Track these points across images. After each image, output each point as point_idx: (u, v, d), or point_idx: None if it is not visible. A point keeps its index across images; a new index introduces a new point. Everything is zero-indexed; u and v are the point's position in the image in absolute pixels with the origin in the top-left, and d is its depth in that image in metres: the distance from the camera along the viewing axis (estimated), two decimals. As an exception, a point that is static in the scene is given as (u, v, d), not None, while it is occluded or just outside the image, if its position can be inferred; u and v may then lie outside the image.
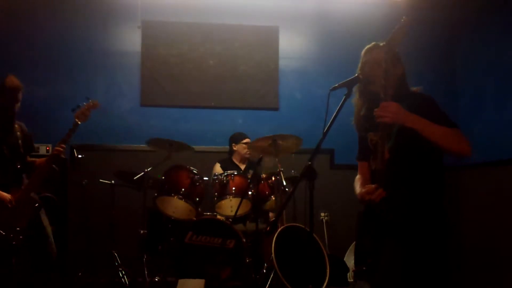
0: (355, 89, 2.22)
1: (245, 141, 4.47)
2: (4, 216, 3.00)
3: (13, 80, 3.17)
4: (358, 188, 2.25)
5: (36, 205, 3.13)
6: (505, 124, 4.15)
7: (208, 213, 3.98)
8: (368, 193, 2.05)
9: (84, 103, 3.37)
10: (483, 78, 4.56)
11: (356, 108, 2.29)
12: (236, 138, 4.52)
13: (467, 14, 4.80)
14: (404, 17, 1.99)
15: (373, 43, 2.25)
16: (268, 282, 3.40)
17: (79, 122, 3.29)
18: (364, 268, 2.10)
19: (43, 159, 3.33)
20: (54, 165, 3.23)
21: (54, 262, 3.26)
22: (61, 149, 3.20)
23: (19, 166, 3.20)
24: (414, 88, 2.21)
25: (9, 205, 3.02)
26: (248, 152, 4.45)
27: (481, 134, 4.33)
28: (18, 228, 3.01)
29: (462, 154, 1.99)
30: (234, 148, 4.52)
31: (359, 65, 2.25)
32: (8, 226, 2.99)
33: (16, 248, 2.99)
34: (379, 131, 2.04)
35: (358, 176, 2.34)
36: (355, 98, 2.27)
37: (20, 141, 3.24)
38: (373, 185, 2.05)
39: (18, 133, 3.26)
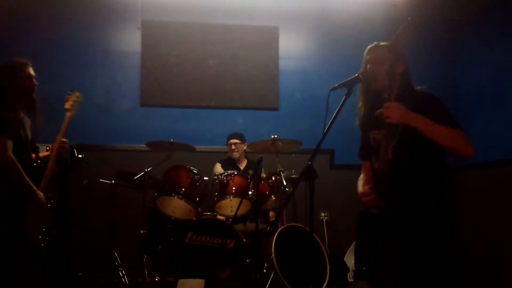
0: (357, 88, 2.22)
1: (229, 142, 4.49)
2: (36, 218, 2.83)
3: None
4: (360, 187, 2.27)
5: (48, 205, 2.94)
6: (505, 124, 4.15)
7: (208, 213, 3.98)
8: (362, 195, 2.11)
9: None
10: (483, 78, 4.56)
11: (360, 108, 2.30)
12: (227, 139, 4.54)
13: (467, 14, 4.80)
14: (409, 17, 1.99)
15: (375, 42, 2.25)
16: (268, 282, 3.40)
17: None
18: (364, 268, 2.10)
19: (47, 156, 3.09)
20: (57, 168, 3.09)
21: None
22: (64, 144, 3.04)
23: (36, 163, 2.98)
24: (418, 87, 2.20)
25: (43, 206, 2.85)
26: (233, 153, 4.46)
27: (481, 134, 4.32)
28: (44, 229, 2.86)
29: (464, 155, 1.99)
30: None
31: (363, 64, 2.25)
32: (38, 228, 2.84)
33: (41, 252, 2.84)
34: (384, 130, 2.05)
35: (361, 175, 2.35)
36: (360, 98, 2.28)
37: (30, 133, 3.00)
38: (368, 189, 2.10)
39: (27, 125, 3.00)
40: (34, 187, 2.82)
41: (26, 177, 2.77)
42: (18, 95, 2.90)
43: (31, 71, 2.98)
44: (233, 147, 4.45)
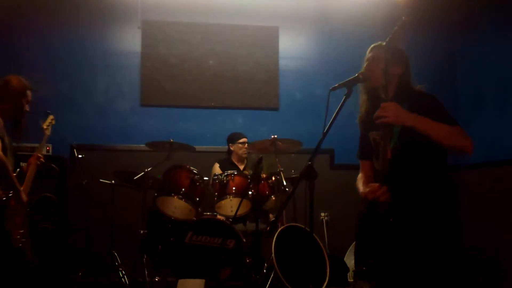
0: (360, 87, 2.22)
1: (241, 140, 4.47)
2: (17, 218, 2.98)
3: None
4: (361, 187, 2.24)
5: (28, 209, 3.13)
6: (505, 124, 4.15)
7: (208, 213, 3.98)
8: (371, 192, 2.03)
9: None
10: (483, 77, 4.56)
11: (361, 107, 2.29)
12: (232, 138, 4.53)
13: (467, 14, 4.80)
14: (403, 17, 1.99)
15: (379, 42, 2.25)
16: (268, 282, 3.40)
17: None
18: (364, 268, 2.10)
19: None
20: (53, 165, 3.24)
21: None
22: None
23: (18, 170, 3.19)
24: (418, 87, 2.20)
25: (24, 208, 3.03)
26: (245, 152, 4.46)
27: (481, 134, 4.32)
28: (21, 231, 3.00)
29: (462, 151, 2.00)
30: (231, 148, 4.53)
31: (363, 62, 2.26)
32: (18, 228, 2.98)
33: (20, 250, 2.98)
34: (381, 131, 2.04)
35: (360, 175, 2.33)
36: (361, 97, 2.28)
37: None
38: (376, 184, 2.04)
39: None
40: (20, 187, 3.00)
41: (13, 176, 2.96)
42: (12, 112, 3.09)
43: (30, 97, 3.17)
44: (246, 145, 4.45)
